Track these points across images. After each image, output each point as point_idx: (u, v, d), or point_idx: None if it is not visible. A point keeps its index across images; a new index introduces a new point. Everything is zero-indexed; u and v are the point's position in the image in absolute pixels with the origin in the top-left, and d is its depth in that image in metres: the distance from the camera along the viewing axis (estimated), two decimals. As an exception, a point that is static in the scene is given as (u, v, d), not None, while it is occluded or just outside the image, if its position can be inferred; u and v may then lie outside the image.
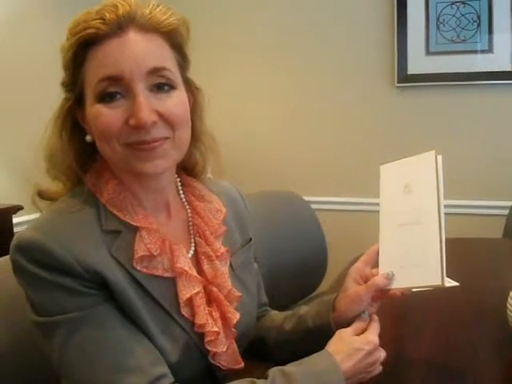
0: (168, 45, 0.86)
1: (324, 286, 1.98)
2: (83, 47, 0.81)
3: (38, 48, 2.45)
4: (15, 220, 2.17)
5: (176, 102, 0.85)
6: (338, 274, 1.60)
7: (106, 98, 0.81)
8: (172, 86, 0.85)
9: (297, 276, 1.87)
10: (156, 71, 0.82)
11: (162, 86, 0.84)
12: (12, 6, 2.43)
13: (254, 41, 2.86)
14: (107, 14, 0.80)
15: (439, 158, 0.95)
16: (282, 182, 2.64)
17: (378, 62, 2.66)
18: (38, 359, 0.95)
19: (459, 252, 1.67)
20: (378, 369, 0.91)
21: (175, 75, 0.86)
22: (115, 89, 0.81)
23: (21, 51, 2.43)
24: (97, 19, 0.80)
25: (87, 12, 0.82)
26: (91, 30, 0.80)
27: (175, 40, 0.87)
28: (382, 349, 0.90)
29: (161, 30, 0.84)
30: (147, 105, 0.80)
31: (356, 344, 0.87)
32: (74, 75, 0.84)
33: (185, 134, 0.87)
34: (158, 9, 0.84)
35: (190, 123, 0.89)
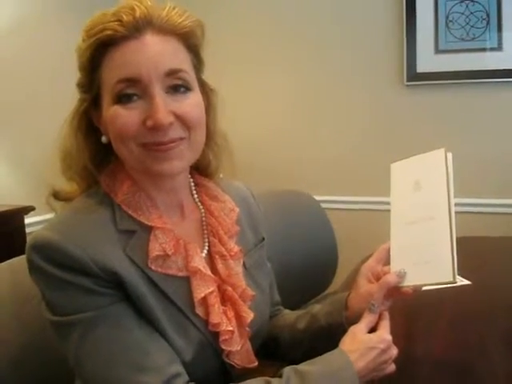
0: (184, 47, 0.86)
1: (334, 285, 1.98)
2: (100, 49, 0.82)
3: (50, 49, 2.46)
4: (27, 221, 2.19)
5: (192, 104, 0.85)
6: (348, 273, 1.60)
7: (123, 98, 0.82)
8: (188, 88, 0.85)
9: (307, 275, 1.86)
10: (173, 73, 0.83)
11: (178, 88, 0.84)
12: (26, 6, 2.44)
13: (265, 40, 2.86)
14: (124, 16, 0.80)
15: (449, 154, 0.94)
16: (291, 181, 2.64)
17: (387, 61, 2.66)
18: (52, 359, 0.96)
19: (470, 250, 1.66)
20: (391, 367, 0.91)
21: (191, 77, 0.86)
22: (132, 90, 0.82)
23: (33, 52, 2.44)
24: (114, 21, 0.80)
25: (103, 14, 0.82)
26: (109, 32, 0.80)
27: (191, 42, 0.87)
28: (394, 346, 0.90)
29: (177, 32, 0.85)
30: (164, 106, 0.81)
31: (370, 343, 0.88)
32: (91, 76, 0.85)
33: (200, 135, 0.88)
34: (175, 11, 0.85)
35: (205, 124, 0.89)
